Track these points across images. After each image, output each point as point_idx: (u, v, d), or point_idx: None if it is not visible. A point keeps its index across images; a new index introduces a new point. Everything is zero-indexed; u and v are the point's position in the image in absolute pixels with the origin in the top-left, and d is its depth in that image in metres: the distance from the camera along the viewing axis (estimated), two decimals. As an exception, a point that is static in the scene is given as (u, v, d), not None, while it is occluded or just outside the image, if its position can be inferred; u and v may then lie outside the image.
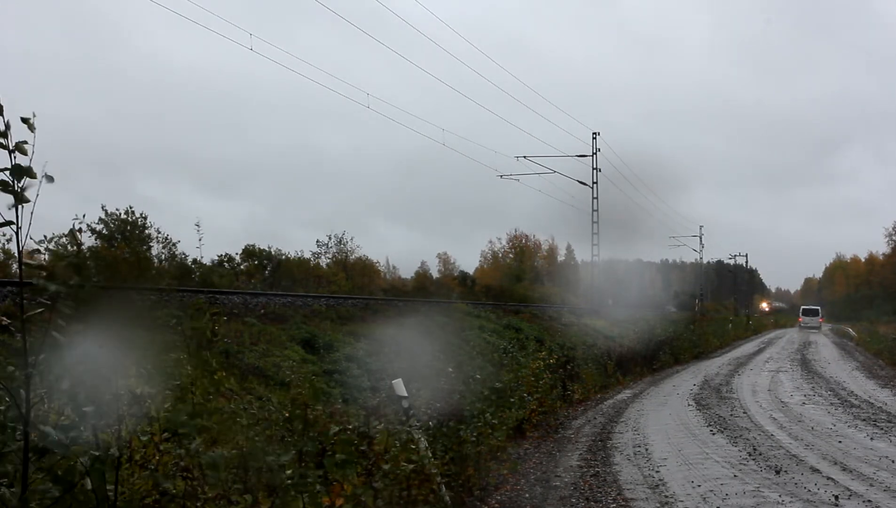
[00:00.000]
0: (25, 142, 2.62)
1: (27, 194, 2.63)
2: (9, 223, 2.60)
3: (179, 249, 25.44)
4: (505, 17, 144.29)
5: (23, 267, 2.69)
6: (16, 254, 2.70)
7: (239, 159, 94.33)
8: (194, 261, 23.57)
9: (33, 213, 2.64)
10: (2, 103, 2.58)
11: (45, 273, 2.68)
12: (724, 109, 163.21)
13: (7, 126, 2.62)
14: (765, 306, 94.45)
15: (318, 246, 35.19)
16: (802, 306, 59.97)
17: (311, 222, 79.67)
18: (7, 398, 2.62)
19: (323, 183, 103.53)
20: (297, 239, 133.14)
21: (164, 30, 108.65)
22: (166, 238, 25.46)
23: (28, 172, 2.61)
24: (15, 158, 2.62)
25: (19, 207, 2.62)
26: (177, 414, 3.31)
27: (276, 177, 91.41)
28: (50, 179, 2.64)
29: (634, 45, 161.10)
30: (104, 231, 24.37)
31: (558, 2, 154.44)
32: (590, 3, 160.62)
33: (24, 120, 2.64)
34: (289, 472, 3.80)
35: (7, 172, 2.62)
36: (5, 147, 2.60)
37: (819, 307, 58.62)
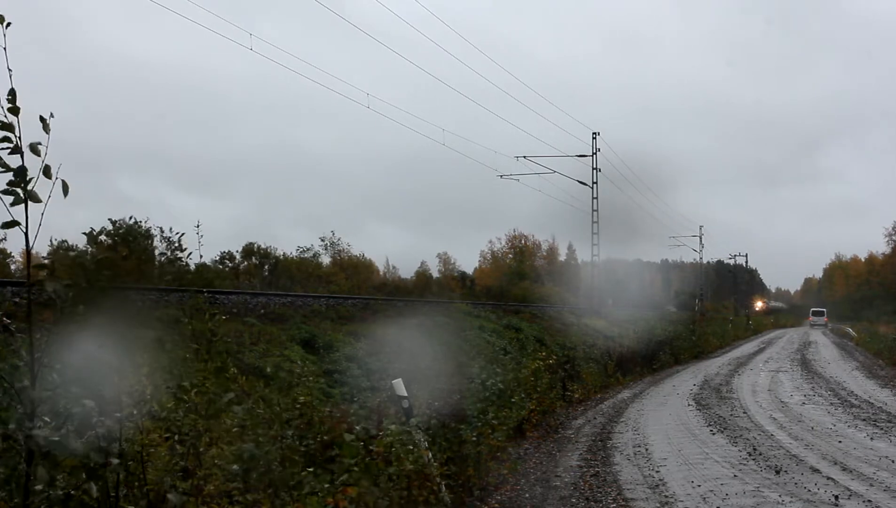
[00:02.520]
0: (39, 143, 2.63)
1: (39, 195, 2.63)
2: (15, 224, 2.60)
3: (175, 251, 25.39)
4: (497, 18, 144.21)
5: (30, 267, 2.69)
6: (13, 254, 2.71)
7: (231, 159, 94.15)
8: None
9: (44, 214, 2.64)
10: (19, 106, 2.60)
11: (44, 272, 2.69)
12: (718, 110, 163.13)
13: (4, 125, 2.62)
14: (760, 305, 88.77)
15: (307, 248, 35.01)
16: (812, 309, 72.38)
17: (308, 223, 79.43)
18: (10, 397, 2.62)
19: (320, 183, 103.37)
20: (289, 239, 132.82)
21: (155, 29, 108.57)
22: (170, 239, 25.42)
23: (23, 173, 2.62)
24: (23, 157, 2.62)
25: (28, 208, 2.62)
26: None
27: (267, 176, 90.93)
28: (65, 188, 2.64)
29: (627, 45, 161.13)
30: (107, 241, 24.40)
31: (551, 2, 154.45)
32: (583, 3, 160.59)
33: (42, 119, 2.65)
34: (293, 472, 3.82)
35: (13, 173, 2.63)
36: (13, 144, 2.61)
37: (825, 309, 69.96)
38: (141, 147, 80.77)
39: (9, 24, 2.62)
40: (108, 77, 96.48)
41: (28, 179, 2.64)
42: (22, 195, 2.62)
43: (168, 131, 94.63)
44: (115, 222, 24.42)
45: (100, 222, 25.30)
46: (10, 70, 2.62)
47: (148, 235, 24.28)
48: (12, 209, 2.62)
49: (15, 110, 2.63)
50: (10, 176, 2.63)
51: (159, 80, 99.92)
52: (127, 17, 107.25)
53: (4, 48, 2.59)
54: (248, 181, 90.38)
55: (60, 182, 2.65)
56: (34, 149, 2.63)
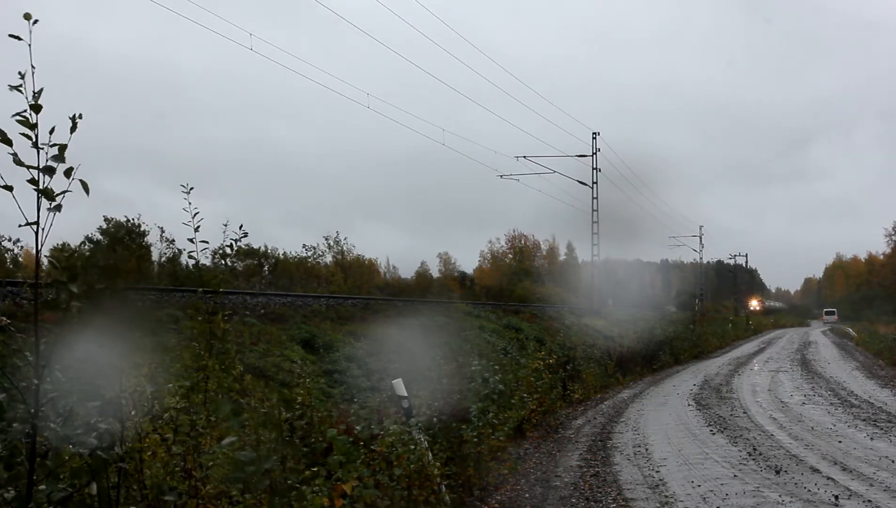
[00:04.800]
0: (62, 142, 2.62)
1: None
2: (32, 224, 2.61)
3: (174, 248, 25.45)
4: (497, 18, 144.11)
5: (38, 267, 2.69)
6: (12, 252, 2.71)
7: (225, 159, 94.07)
8: (191, 257, 23.58)
9: (55, 215, 2.64)
10: (41, 104, 2.60)
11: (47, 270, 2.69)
12: (717, 109, 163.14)
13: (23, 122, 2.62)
14: (755, 304, 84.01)
15: (313, 247, 35.02)
16: (825, 309, 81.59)
17: (305, 224, 79.23)
18: (13, 394, 2.62)
19: (318, 184, 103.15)
20: (286, 239, 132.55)
21: (150, 26, 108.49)
22: (166, 239, 25.47)
23: (51, 173, 2.62)
24: (47, 155, 2.62)
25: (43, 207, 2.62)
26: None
27: (263, 176, 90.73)
28: (85, 187, 2.64)
29: (627, 45, 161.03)
30: (105, 240, 24.43)
31: (551, 2, 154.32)
32: (583, 4, 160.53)
33: (72, 119, 2.65)
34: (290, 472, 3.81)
35: (35, 170, 2.62)
36: (33, 141, 2.61)
37: (835, 310, 77.95)
38: (126, 145, 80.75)
39: (35, 21, 2.62)
40: (96, 74, 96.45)
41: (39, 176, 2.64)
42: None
43: (160, 131, 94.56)
44: (109, 219, 24.39)
45: (89, 220, 25.22)
46: (32, 67, 2.62)
47: (142, 233, 24.27)
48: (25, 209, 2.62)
49: (37, 108, 2.63)
50: (17, 171, 2.63)
51: (146, 77, 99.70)
52: (118, 15, 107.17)
53: (30, 45, 2.60)
54: (243, 181, 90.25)
55: (79, 182, 2.66)
56: (61, 149, 2.63)
